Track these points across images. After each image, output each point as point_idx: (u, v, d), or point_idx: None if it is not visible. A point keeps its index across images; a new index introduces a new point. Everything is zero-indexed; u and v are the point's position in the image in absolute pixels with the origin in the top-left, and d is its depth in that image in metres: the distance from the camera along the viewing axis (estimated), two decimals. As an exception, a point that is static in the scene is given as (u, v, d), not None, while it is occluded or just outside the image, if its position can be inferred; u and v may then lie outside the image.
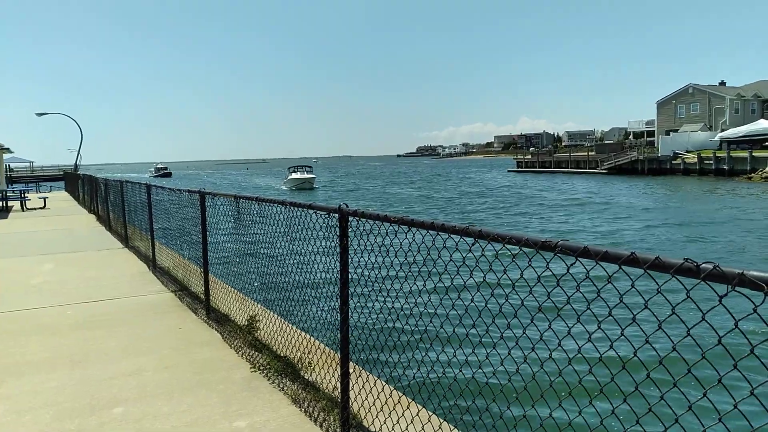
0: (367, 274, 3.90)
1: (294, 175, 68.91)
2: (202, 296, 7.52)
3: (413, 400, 4.04)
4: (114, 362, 5.77)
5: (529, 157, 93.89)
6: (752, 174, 51.87)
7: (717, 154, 57.98)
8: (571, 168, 76.52)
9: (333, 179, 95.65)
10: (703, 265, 1.76)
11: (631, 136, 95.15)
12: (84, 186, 27.48)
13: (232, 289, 7.34)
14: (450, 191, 57.67)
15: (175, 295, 8.58)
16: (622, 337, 2.14)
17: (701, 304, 1.88)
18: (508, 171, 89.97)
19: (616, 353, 2.09)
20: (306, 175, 68.24)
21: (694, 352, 1.97)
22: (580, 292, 2.23)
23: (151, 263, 10.58)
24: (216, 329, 6.76)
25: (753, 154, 54.29)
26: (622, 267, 2.00)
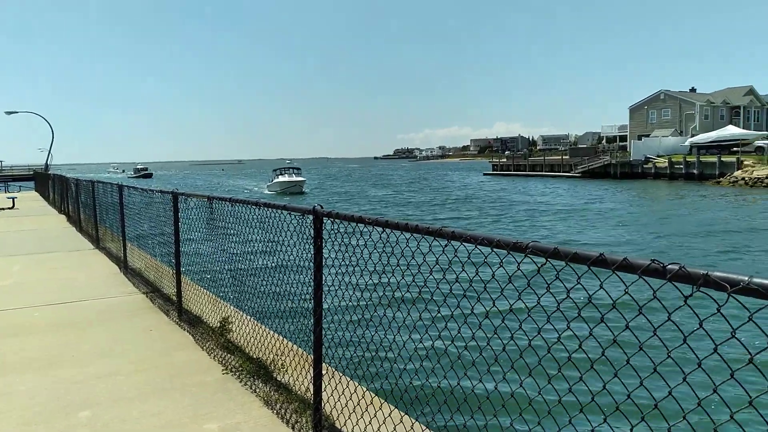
0: (342, 275, 3.89)
1: (281, 178, 62.28)
2: (175, 298, 7.43)
3: (386, 401, 4.03)
4: (84, 365, 5.66)
5: (505, 160, 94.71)
6: (720, 178, 53.07)
7: (687, 159, 59.20)
8: (545, 171, 77.42)
9: (320, 182, 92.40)
10: (669, 266, 1.80)
11: (604, 141, 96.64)
12: (54, 186, 26.95)
13: (205, 290, 7.27)
14: (442, 194, 56.99)
15: (147, 296, 8.46)
16: (591, 336, 2.17)
17: (670, 305, 1.91)
18: (484, 174, 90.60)
19: (585, 353, 2.11)
20: (295, 178, 61.99)
21: (661, 351, 2.01)
22: (550, 293, 2.25)
23: (123, 264, 10.41)
24: (188, 331, 6.68)
25: (721, 159, 55.58)
26: (591, 268, 2.03)
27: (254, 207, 4.91)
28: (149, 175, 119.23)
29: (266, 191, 64.46)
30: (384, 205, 47.35)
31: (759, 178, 48.75)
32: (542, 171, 78.17)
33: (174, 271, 7.45)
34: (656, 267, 1.81)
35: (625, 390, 2.06)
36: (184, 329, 6.78)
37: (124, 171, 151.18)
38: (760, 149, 56.13)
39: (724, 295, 1.65)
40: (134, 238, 10.27)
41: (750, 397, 1.70)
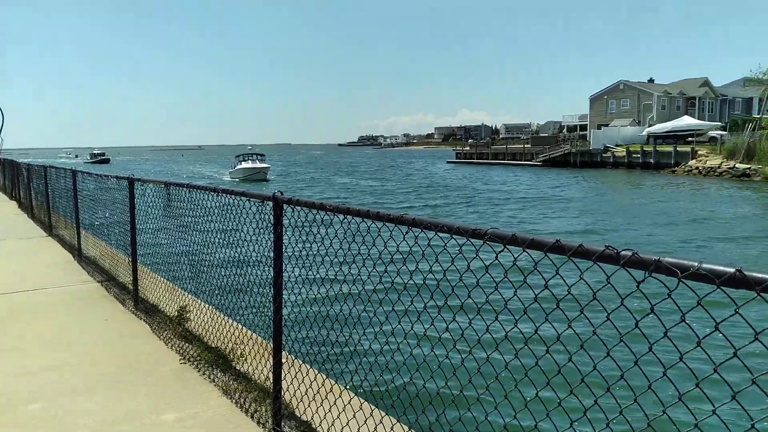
0: (303, 262, 3.84)
1: (244, 165, 59.84)
2: (131, 286, 7.25)
3: (346, 388, 4.02)
4: (34, 356, 5.48)
5: (468, 149, 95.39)
6: (676, 168, 54.58)
7: (644, 149, 60.63)
8: (507, 160, 78.29)
9: (285, 169, 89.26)
10: (623, 252, 1.82)
11: (565, 130, 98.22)
12: (5, 171, 25.97)
13: (162, 279, 7.11)
14: (409, 182, 56.24)
15: (102, 285, 8.24)
16: (547, 322, 2.19)
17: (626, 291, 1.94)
18: (447, 162, 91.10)
19: (540, 337, 2.13)
20: (259, 165, 59.72)
21: (614, 336, 2.04)
22: (507, 279, 2.26)
23: (77, 252, 10.11)
24: (145, 320, 6.54)
25: (677, 148, 57.11)
26: (548, 254, 2.05)
27: (212, 193, 4.81)
28: (106, 161, 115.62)
29: (228, 178, 62.14)
30: (351, 192, 46.93)
31: (712, 168, 50.33)
32: (504, 159, 79.02)
33: (130, 259, 7.27)
34: (610, 253, 1.83)
35: (579, 373, 2.09)
36: (141, 318, 6.64)
37: (77, 156, 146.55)
38: (713, 139, 57.87)
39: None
40: (89, 225, 9.98)
41: (697, 378, 1.74)
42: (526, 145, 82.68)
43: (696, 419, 1.77)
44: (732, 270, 1.59)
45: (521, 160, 75.67)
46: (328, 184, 56.57)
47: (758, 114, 59.14)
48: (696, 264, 1.65)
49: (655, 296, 1.82)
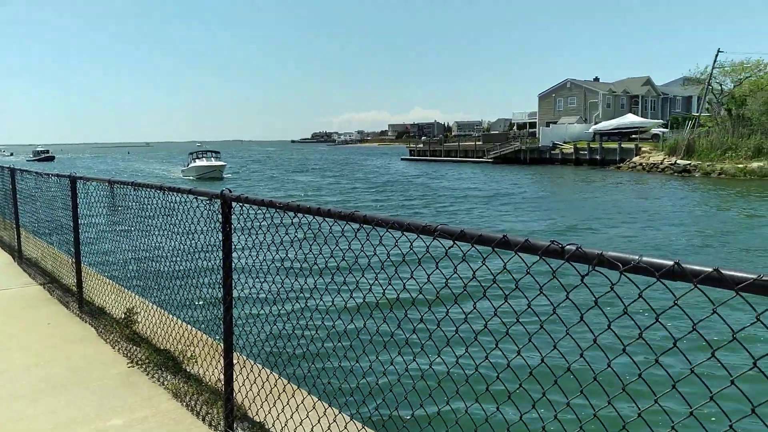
0: (253, 261, 3.79)
1: (198, 163, 56.33)
2: (75, 288, 7.00)
3: (299, 387, 3.99)
4: (-30, 364, 5.23)
5: (422, 146, 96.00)
6: (621, 164, 56.37)
7: (591, 145, 62.35)
8: (460, 157, 79.20)
9: (240, 166, 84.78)
10: (567, 246, 1.86)
11: (515, 127, 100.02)
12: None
13: (109, 280, 6.90)
14: (369, 180, 54.87)
15: (45, 287, 7.93)
16: (496, 316, 2.22)
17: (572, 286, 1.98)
18: (402, 159, 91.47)
19: (489, 331, 2.16)
20: (215, 163, 56.43)
21: (560, 329, 2.09)
22: (457, 274, 2.29)
23: (17, 254, 9.69)
24: (90, 323, 6.32)
25: (622, 145, 58.99)
26: (495, 249, 2.08)
27: (159, 191, 4.69)
28: (50, 158, 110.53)
29: (181, 176, 58.83)
30: (317, 190, 45.19)
31: (655, 164, 52.20)
32: (457, 156, 79.90)
33: (74, 260, 7.01)
34: (555, 248, 1.87)
35: (528, 366, 2.13)
36: (86, 321, 6.41)
37: (12, 154, 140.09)
38: (656, 136, 59.99)
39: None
40: (30, 225, 9.58)
41: (639, 369, 1.80)
42: (477, 143, 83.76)
43: (640, 408, 1.83)
44: (671, 263, 1.65)
45: (473, 157, 76.66)
46: (288, 183, 54.50)
47: (697, 112, 61.68)
48: (636, 257, 1.70)
49: (625, 294, 1.87)
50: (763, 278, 1.52)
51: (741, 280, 1.53)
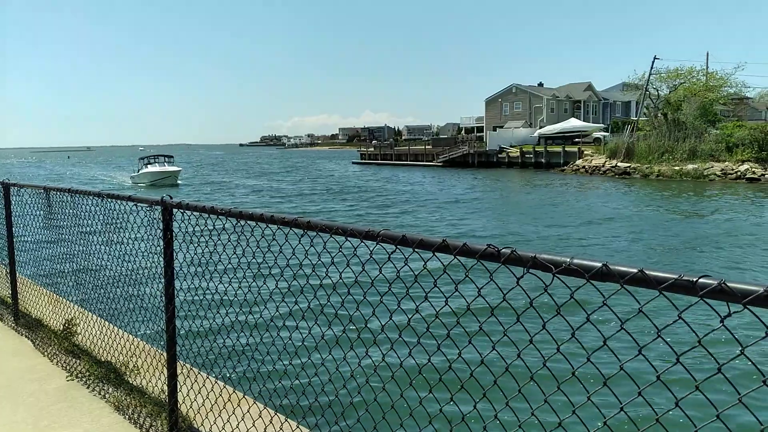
0: (195, 269, 3.73)
1: (151, 168, 51.63)
2: (10, 300, 6.70)
3: (245, 395, 3.95)
4: None
5: (372, 149, 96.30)
6: (565, 167, 58.06)
7: (536, 149, 64.00)
8: (410, 161, 79.84)
9: (191, 172, 79.02)
10: (503, 250, 1.91)
11: (463, 131, 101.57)
12: None
13: (46, 290, 6.63)
14: (322, 184, 53.00)
15: (-24, 300, 7.55)
16: (437, 318, 2.27)
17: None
18: (353, 162, 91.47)
19: (431, 334, 2.20)
20: (168, 168, 51.92)
21: (498, 332, 2.15)
22: (400, 279, 2.32)
23: (-54, 265, 9.21)
24: (27, 336, 6.06)
25: (565, 149, 60.81)
26: (435, 254, 2.12)
27: (97, 198, 4.55)
28: None
29: (129, 183, 54.26)
30: (269, 195, 43.31)
31: (597, 167, 54.00)
32: (407, 160, 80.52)
33: (7, 270, 6.71)
34: (492, 251, 1.92)
35: (468, 366, 2.18)
36: (22, 334, 6.15)
37: None
38: (598, 140, 62.07)
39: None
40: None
41: (573, 367, 1.87)
42: (427, 146, 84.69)
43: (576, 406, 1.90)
44: (599, 264, 1.72)
45: (423, 161, 77.41)
46: (241, 188, 51.39)
47: (635, 116, 64.14)
48: (568, 260, 1.77)
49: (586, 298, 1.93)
50: (684, 278, 1.60)
51: (663, 280, 1.61)
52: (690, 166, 47.21)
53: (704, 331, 1.75)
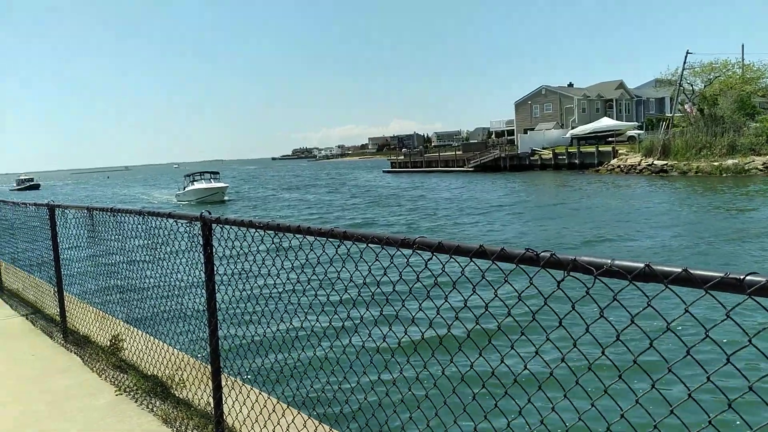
0: (236, 282, 3.79)
1: (197, 185, 51.08)
2: (58, 318, 6.92)
3: (289, 405, 3.99)
4: (-48, 400, 5.13)
5: (402, 158, 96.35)
6: (599, 167, 57.10)
7: (569, 150, 63.13)
8: (441, 167, 79.61)
9: (238, 187, 78.01)
10: (542, 253, 1.90)
11: (493, 135, 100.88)
12: None
13: (93, 308, 6.83)
14: (367, 194, 50.92)
15: (27, 318, 7.82)
16: (457, 321, 2.26)
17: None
18: (383, 171, 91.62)
19: (473, 341, 2.20)
20: (215, 185, 51.43)
21: (540, 333, 2.13)
22: (438, 285, 2.32)
23: (-3, 286, 9.56)
24: (75, 353, 6.25)
25: (599, 149, 59.82)
26: (473, 260, 2.12)
27: (138, 216, 4.68)
28: (36, 187, 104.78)
29: (175, 201, 54.37)
30: (323, 209, 41.05)
31: (632, 165, 52.95)
32: (438, 167, 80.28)
33: (55, 290, 6.94)
34: (530, 255, 1.91)
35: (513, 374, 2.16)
36: (71, 351, 6.34)
37: None
38: (632, 138, 60.92)
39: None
40: (9, 256, 9.46)
41: (619, 371, 1.84)
42: (457, 152, 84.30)
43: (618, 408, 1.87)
44: (641, 265, 1.70)
45: (454, 167, 77.07)
46: (282, 202, 50.63)
47: (670, 113, 62.76)
48: (609, 261, 1.75)
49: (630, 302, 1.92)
50: (730, 276, 1.57)
51: (709, 279, 1.58)
52: (730, 161, 45.88)
53: (755, 329, 1.72)
